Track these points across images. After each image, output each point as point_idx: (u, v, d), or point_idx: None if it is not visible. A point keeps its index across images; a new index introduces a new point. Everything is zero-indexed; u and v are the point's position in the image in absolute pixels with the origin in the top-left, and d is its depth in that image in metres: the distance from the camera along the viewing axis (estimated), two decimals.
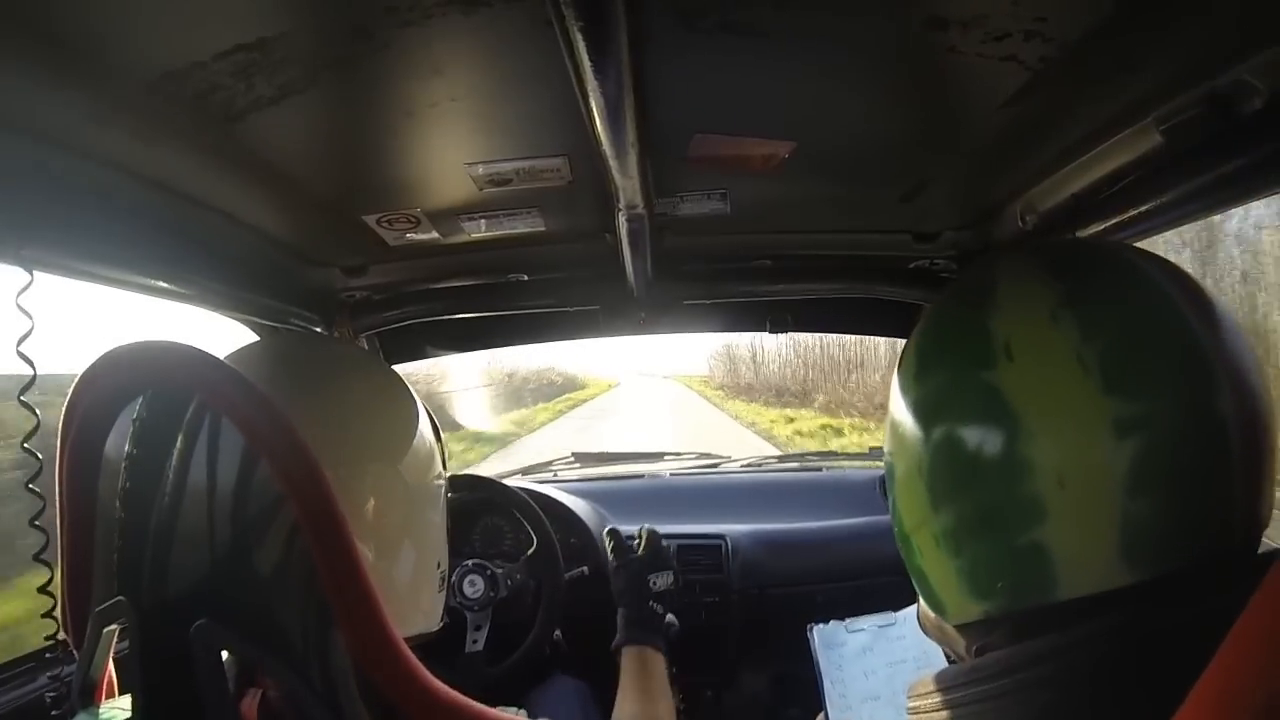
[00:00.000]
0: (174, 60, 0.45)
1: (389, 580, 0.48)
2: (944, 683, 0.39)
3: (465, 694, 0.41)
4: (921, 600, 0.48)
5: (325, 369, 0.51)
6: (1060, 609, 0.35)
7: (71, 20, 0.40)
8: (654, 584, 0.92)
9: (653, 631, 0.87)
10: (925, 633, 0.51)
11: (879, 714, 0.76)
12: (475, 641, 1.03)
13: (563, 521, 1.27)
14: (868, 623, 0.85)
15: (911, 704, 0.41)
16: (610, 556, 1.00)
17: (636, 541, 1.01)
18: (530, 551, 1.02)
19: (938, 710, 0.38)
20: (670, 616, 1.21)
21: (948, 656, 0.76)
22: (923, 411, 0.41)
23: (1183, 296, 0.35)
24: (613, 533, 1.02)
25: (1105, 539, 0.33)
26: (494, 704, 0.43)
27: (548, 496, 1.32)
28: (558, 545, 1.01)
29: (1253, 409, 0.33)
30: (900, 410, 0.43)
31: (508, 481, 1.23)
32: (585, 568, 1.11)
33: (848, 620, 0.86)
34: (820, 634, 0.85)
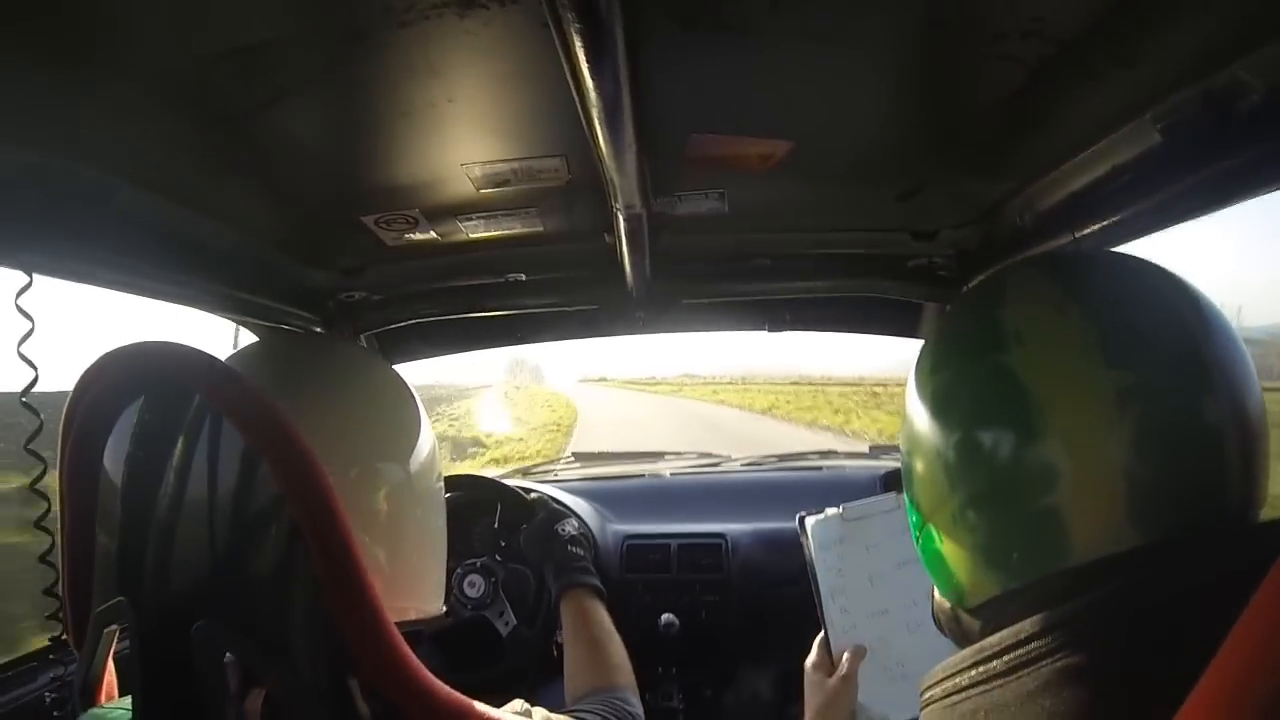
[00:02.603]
0: (171, 62, 0.45)
1: (404, 573, 0.49)
2: (951, 669, 0.39)
3: (528, 661, 0.42)
4: (937, 593, 0.49)
5: (328, 368, 0.51)
6: (1073, 576, 0.36)
7: (70, 23, 0.40)
8: (563, 530, 0.94)
9: (582, 571, 0.87)
10: (941, 630, 0.51)
11: (890, 633, 0.65)
12: (508, 624, 1.08)
13: None
14: (868, 508, 0.71)
15: (925, 694, 0.41)
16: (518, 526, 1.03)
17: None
18: (496, 517, 1.05)
19: (948, 696, 0.38)
20: (669, 615, 1.21)
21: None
22: (939, 400, 0.44)
23: (1169, 289, 0.39)
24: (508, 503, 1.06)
25: (1114, 501, 0.36)
26: (557, 652, 0.44)
27: (548, 496, 1.33)
28: (520, 494, 1.04)
29: (1238, 388, 0.37)
30: (917, 404, 0.46)
31: (508, 481, 1.23)
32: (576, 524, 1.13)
33: (843, 507, 0.72)
34: (814, 529, 0.71)
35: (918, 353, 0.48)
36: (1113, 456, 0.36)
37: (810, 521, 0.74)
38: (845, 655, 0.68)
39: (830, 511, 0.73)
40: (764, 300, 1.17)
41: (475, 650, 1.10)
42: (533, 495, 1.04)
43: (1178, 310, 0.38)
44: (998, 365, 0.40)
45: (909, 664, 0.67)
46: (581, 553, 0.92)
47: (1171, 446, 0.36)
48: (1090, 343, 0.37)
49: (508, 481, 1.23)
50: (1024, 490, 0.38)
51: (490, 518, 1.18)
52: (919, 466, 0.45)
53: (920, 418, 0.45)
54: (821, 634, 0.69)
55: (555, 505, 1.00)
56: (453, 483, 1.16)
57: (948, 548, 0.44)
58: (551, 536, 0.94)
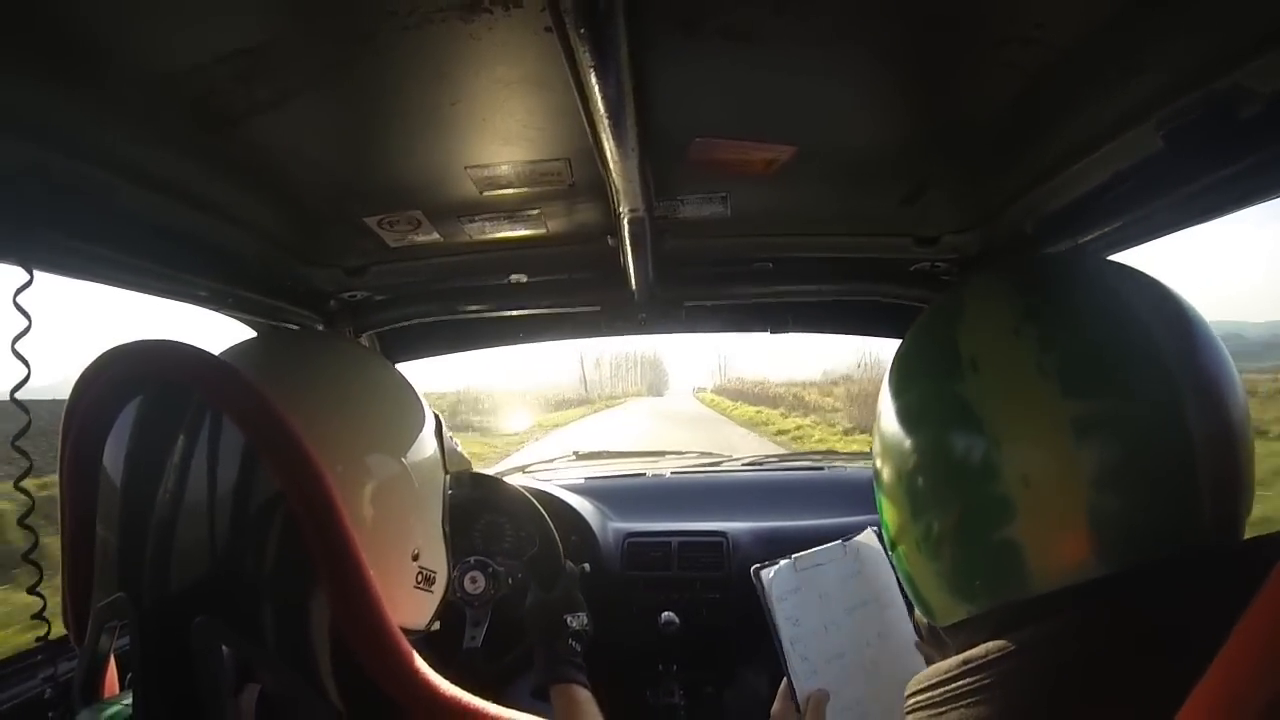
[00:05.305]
0: (175, 63, 0.45)
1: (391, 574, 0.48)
2: (939, 675, 0.39)
3: (460, 684, 0.41)
4: (916, 608, 0.49)
5: (327, 365, 0.51)
6: (1038, 603, 0.36)
7: (74, 22, 0.40)
8: (570, 623, 0.92)
9: (574, 669, 0.87)
10: (922, 641, 0.52)
11: (847, 676, 0.72)
12: (474, 639, 1.03)
13: (564, 519, 1.27)
14: (817, 557, 0.77)
15: (910, 701, 0.42)
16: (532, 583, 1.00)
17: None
18: (534, 552, 1.03)
19: (936, 705, 0.39)
20: (669, 614, 1.21)
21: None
22: (900, 424, 0.43)
23: (1146, 306, 0.37)
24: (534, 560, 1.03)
25: (1074, 533, 0.35)
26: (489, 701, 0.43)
27: (549, 494, 1.33)
28: (560, 546, 1.01)
29: (1217, 409, 0.35)
30: (883, 423, 0.45)
31: (509, 479, 1.23)
32: (586, 564, 1.12)
33: (794, 557, 0.77)
34: (771, 580, 0.76)
35: (888, 368, 0.47)
36: (1071, 491, 0.35)
37: (765, 573, 0.77)
38: (810, 700, 0.71)
39: (782, 562, 0.78)
40: (766, 303, 1.18)
41: (427, 645, 1.07)
42: (567, 565, 1.02)
43: (1148, 328, 0.36)
44: (954, 395, 0.39)
45: (867, 704, 0.72)
46: (580, 649, 0.91)
47: (1135, 479, 0.35)
48: (1047, 370, 0.36)
49: (514, 480, 1.22)
50: (982, 522, 0.38)
51: (524, 539, 1.16)
52: (885, 489, 0.45)
53: (884, 439, 0.45)
54: (785, 681, 0.73)
55: (575, 592, 0.98)
56: (464, 480, 1.14)
57: (915, 570, 0.44)
58: (558, 625, 0.92)
